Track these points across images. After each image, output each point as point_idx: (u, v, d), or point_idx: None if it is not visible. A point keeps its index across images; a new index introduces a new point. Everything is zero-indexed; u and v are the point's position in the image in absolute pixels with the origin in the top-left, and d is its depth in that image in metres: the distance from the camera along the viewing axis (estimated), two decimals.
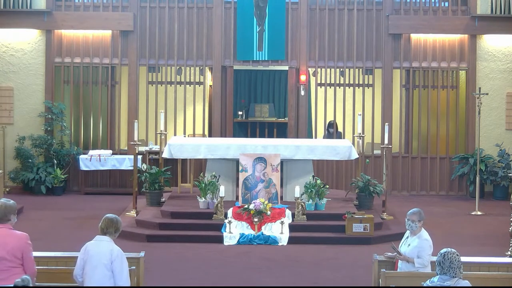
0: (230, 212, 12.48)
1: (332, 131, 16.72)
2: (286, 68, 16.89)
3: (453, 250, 6.49)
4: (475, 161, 15.78)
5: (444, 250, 6.48)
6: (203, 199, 12.99)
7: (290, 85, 16.80)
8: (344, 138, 16.72)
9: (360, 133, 14.89)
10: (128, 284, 7.02)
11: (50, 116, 16.38)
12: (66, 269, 7.71)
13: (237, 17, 16.71)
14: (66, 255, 8.16)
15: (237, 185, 13.53)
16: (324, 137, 16.89)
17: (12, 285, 6.55)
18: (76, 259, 7.28)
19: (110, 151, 16.44)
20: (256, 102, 17.58)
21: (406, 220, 8.11)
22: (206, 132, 17.12)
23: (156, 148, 16.22)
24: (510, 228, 11.02)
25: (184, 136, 16.45)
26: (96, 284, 6.94)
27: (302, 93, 16.75)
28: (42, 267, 7.66)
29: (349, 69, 16.92)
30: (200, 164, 15.82)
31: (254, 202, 12.46)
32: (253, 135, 17.14)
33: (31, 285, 5.59)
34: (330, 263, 10.99)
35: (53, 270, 7.70)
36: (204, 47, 16.89)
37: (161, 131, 14.91)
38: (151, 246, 11.67)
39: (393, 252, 8.22)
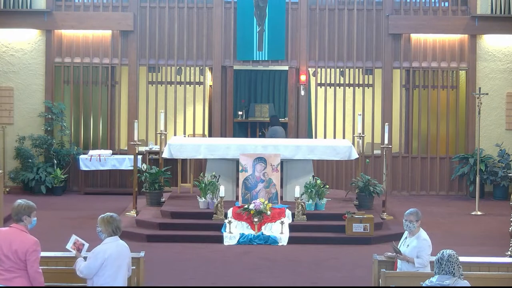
0: (230, 212, 12.47)
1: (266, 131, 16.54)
2: (286, 68, 16.89)
3: (450, 250, 6.54)
4: (475, 161, 15.77)
5: (442, 250, 6.54)
6: (203, 199, 12.98)
7: (290, 85, 16.80)
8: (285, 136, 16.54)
9: (360, 133, 14.89)
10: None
11: (50, 116, 16.38)
12: (66, 269, 7.72)
13: (237, 17, 16.70)
14: (66, 255, 8.14)
15: (237, 185, 13.52)
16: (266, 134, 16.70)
17: (12, 286, 6.55)
18: (76, 259, 7.28)
19: (110, 151, 16.44)
20: (256, 102, 17.59)
21: (403, 221, 8.16)
22: (206, 132, 17.12)
23: (156, 148, 16.22)
24: (510, 228, 11.02)
25: (184, 136, 16.45)
26: (120, 283, 7.01)
27: (302, 93, 16.75)
28: (42, 267, 7.63)
29: (349, 69, 16.92)
30: (200, 164, 15.82)
31: (254, 202, 12.45)
32: (253, 135, 17.14)
33: None
34: (330, 263, 10.99)
35: (53, 270, 7.70)
36: (204, 47, 16.88)
37: (161, 131, 14.91)
38: (151, 246, 11.67)
39: (393, 252, 8.22)
